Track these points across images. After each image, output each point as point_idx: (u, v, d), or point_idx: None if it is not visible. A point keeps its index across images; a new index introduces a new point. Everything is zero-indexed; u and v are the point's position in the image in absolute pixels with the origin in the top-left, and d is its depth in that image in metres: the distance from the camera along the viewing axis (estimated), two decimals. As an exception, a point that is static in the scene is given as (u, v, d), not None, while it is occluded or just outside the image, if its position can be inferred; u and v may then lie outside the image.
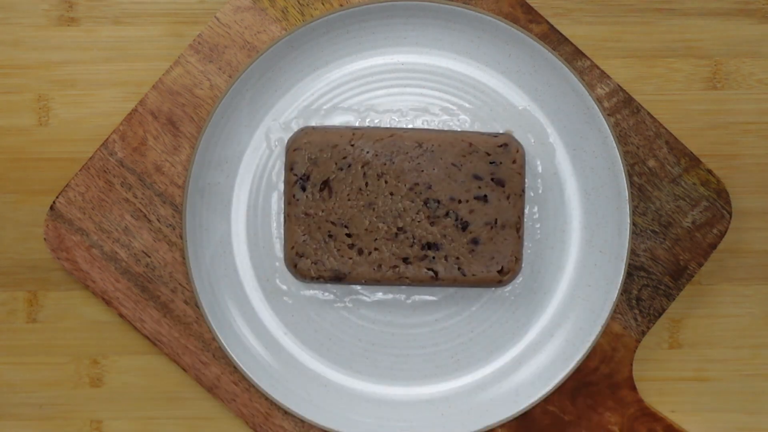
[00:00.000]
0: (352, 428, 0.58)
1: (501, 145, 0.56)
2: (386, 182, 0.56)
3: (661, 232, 0.59)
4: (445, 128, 0.58)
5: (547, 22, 0.58)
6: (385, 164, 0.56)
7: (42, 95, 0.60)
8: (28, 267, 0.61)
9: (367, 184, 0.56)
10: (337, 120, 0.58)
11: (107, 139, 0.58)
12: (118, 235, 0.59)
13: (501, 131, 0.58)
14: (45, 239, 0.59)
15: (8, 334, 0.61)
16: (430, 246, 0.56)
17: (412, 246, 0.56)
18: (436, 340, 0.59)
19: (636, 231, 0.59)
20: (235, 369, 0.59)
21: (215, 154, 0.58)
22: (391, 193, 0.56)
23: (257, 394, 0.59)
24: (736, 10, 0.60)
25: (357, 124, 0.58)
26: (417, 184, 0.56)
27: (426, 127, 0.58)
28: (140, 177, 0.59)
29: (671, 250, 0.59)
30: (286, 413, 0.59)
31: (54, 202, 0.58)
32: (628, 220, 0.57)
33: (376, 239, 0.56)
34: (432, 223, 0.56)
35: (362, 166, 0.56)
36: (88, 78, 0.60)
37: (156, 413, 0.61)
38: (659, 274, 0.59)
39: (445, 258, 0.56)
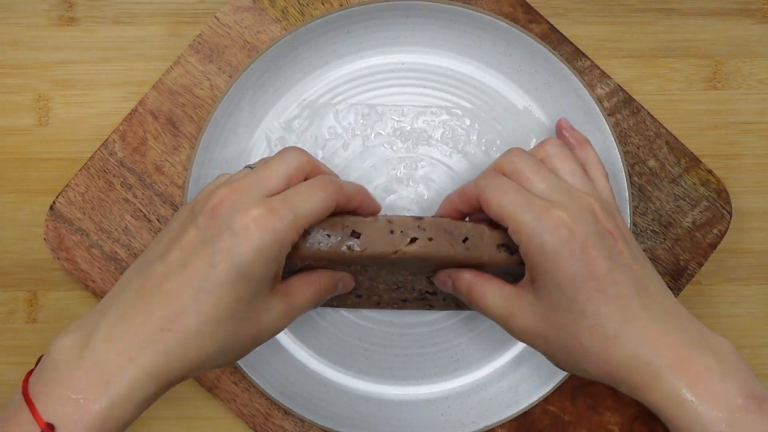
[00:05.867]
0: (352, 428, 0.58)
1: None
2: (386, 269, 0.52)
3: (661, 232, 0.59)
4: (446, 128, 0.58)
5: (547, 22, 0.58)
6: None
7: (42, 95, 0.60)
8: (28, 267, 0.61)
9: (366, 270, 0.52)
10: (337, 120, 0.58)
11: (107, 139, 0.58)
12: (118, 235, 0.59)
13: (501, 131, 0.58)
14: (45, 239, 0.59)
15: (8, 334, 0.61)
16: (429, 292, 0.55)
17: (411, 292, 0.56)
18: (436, 340, 0.59)
19: (636, 231, 0.59)
20: (235, 369, 0.59)
21: (215, 154, 0.58)
22: (390, 272, 0.52)
23: (257, 394, 0.59)
24: (736, 10, 0.60)
25: (356, 125, 0.58)
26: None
27: (426, 134, 0.58)
28: (140, 177, 0.59)
29: (671, 250, 0.59)
30: (286, 413, 0.59)
31: (54, 202, 0.58)
32: (628, 220, 0.57)
33: (377, 293, 0.56)
34: (431, 283, 0.54)
35: (361, 267, 0.52)
36: (88, 78, 0.60)
37: (156, 413, 0.61)
38: (659, 274, 0.59)
39: (444, 299, 0.56)
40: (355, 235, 0.47)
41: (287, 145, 0.57)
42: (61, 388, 0.42)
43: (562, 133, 0.55)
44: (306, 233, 0.47)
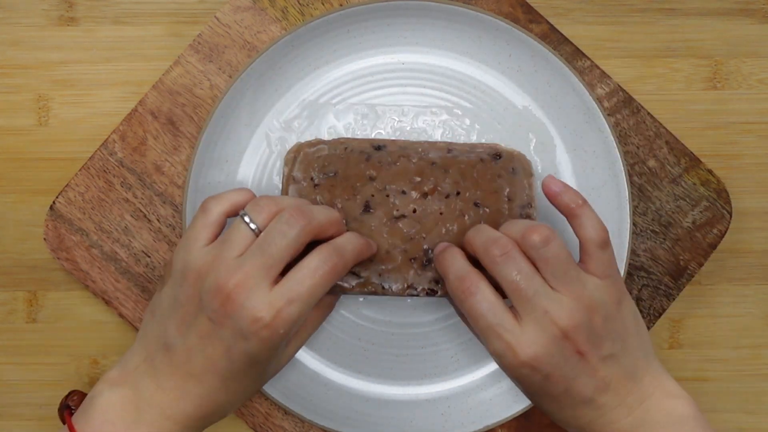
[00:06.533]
0: (352, 428, 0.58)
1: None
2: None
3: (661, 232, 0.59)
4: (446, 128, 0.58)
5: (547, 22, 0.58)
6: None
7: (42, 95, 0.60)
8: (28, 267, 0.61)
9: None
10: (337, 119, 0.58)
11: (107, 139, 0.58)
12: (118, 235, 0.59)
13: (501, 130, 0.58)
14: (45, 239, 0.59)
15: (8, 334, 0.61)
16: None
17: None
18: (436, 340, 0.59)
19: (636, 231, 0.59)
20: (235, 369, 0.59)
21: (215, 153, 0.58)
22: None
23: (257, 394, 0.59)
24: (736, 10, 0.60)
25: (356, 125, 0.58)
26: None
27: (428, 134, 0.59)
28: (140, 177, 0.59)
29: (671, 250, 0.59)
30: (286, 413, 0.59)
31: (54, 202, 0.58)
32: (628, 220, 0.57)
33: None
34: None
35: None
36: (88, 78, 0.60)
37: (156, 413, 0.61)
38: (659, 274, 0.59)
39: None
40: (355, 274, 0.55)
41: (287, 146, 0.57)
42: None
43: (555, 197, 0.52)
44: None
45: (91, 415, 0.49)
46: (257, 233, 0.49)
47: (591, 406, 0.50)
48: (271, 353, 0.49)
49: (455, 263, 0.51)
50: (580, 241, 0.51)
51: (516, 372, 0.48)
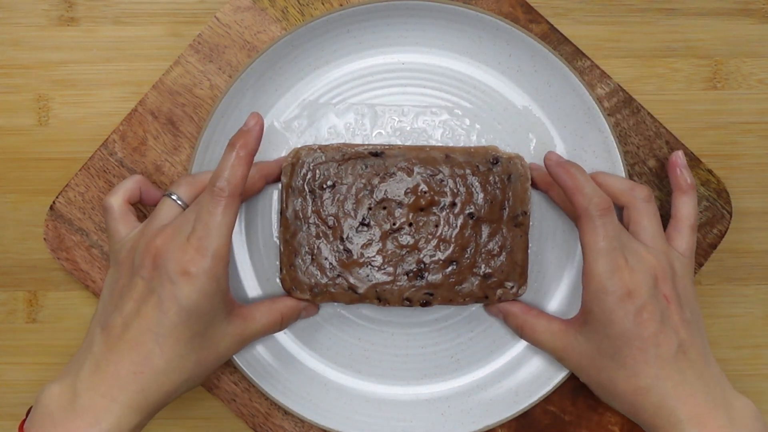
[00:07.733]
0: (352, 428, 0.58)
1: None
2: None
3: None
4: (446, 128, 0.58)
5: (547, 22, 0.58)
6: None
7: (42, 95, 0.60)
8: (28, 267, 0.61)
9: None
10: (338, 119, 0.58)
11: (107, 139, 0.58)
12: (118, 235, 0.59)
13: (501, 130, 0.58)
14: (45, 239, 0.59)
15: (8, 334, 0.61)
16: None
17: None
18: (436, 340, 0.59)
19: (636, 231, 0.59)
20: (235, 369, 0.59)
21: (215, 153, 0.58)
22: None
23: (257, 394, 0.59)
24: (736, 10, 0.60)
25: (356, 125, 0.58)
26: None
27: (426, 137, 0.59)
28: (140, 177, 0.59)
29: (671, 250, 0.59)
30: (286, 413, 0.59)
31: (54, 202, 0.58)
32: (628, 220, 0.57)
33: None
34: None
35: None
36: (88, 78, 0.60)
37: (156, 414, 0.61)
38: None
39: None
40: (352, 288, 0.57)
41: (287, 146, 0.57)
42: (58, 431, 0.48)
43: (674, 168, 0.56)
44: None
45: (35, 411, 0.50)
46: (183, 207, 0.54)
47: (675, 366, 0.50)
48: (202, 303, 0.49)
49: (590, 182, 0.52)
50: (675, 218, 0.55)
51: (614, 300, 0.50)
